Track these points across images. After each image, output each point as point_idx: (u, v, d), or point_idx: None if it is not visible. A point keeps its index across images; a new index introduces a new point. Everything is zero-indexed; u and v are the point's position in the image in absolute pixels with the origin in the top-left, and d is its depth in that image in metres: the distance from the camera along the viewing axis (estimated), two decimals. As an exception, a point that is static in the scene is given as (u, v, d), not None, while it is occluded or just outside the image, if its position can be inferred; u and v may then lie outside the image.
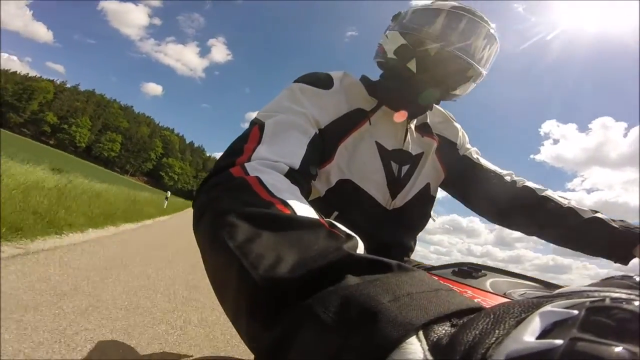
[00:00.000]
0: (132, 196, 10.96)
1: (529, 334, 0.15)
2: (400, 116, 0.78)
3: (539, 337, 0.15)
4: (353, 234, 0.32)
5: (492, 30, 0.74)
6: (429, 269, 0.73)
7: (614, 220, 0.75)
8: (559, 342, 0.14)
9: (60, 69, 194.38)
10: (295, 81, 0.72)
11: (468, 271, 0.64)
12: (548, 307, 0.16)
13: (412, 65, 0.73)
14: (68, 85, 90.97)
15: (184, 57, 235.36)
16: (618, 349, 0.13)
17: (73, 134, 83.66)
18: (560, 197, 0.82)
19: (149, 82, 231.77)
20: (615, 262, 0.76)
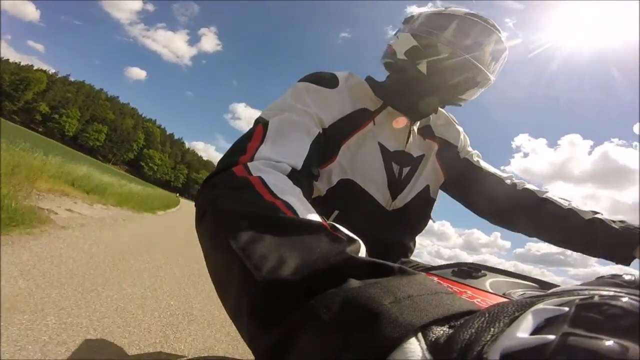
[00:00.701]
0: (163, 194, 20.80)
1: (523, 331, 0.16)
2: (400, 122, 0.80)
3: (532, 334, 0.16)
4: (355, 236, 0.32)
5: (502, 38, 0.76)
6: (429, 269, 0.74)
7: (614, 221, 0.76)
8: (552, 337, 0.14)
9: (41, 48, 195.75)
10: (301, 80, 0.72)
11: (468, 271, 0.65)
12: (540, 305, 0.17)
13: (422, 67, 0.74)
14: (59, 76, 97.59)
15: (172, 44, 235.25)
16: (608, 342, 0.13)
17: (63, 124, 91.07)
18: (560, 198, 0.83)
19: (133, 66, 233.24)
20: (616, 263, 0.76)
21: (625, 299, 0.16)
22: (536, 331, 0.16)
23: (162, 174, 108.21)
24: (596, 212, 0.78)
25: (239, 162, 0.48)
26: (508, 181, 0.89)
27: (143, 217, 8.47)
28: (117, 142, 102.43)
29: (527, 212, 0.85)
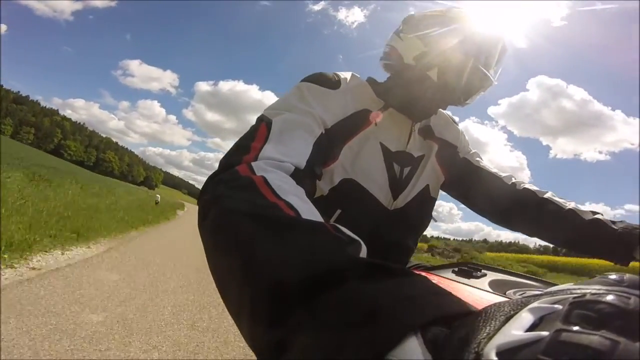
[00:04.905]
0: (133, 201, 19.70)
1: (518, 328, 0.17)
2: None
3: (527, 331, 0.17)
4: (357, 237, 0.33)
5: (505, 41, 0.78)
6: (430, 269, 0.76)
7: (614, 222, 0.78)
8: (545, 333, 0.16)
9: None
10: (303, 80, 0.74)
11: (469, 271, 0.66)
12: (535, 304, 0.19)
13: (432, 74, 0.76)
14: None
15: None
16: (599, 337, 0.15)
17: (3, 129, 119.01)
18: (561, 199, 0.86)
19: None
20: (616, 264, 0.79)
21: (615, 296, 0.17)
22: (531, 328, 0.17)
23: (77, 157, 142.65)
24: (596, 213, 0.81)
25: (242, 161, 0.49)
26: (508, 180, 0.91)
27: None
28: (42, 138, 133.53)
29: (527, 212, 0.87)
